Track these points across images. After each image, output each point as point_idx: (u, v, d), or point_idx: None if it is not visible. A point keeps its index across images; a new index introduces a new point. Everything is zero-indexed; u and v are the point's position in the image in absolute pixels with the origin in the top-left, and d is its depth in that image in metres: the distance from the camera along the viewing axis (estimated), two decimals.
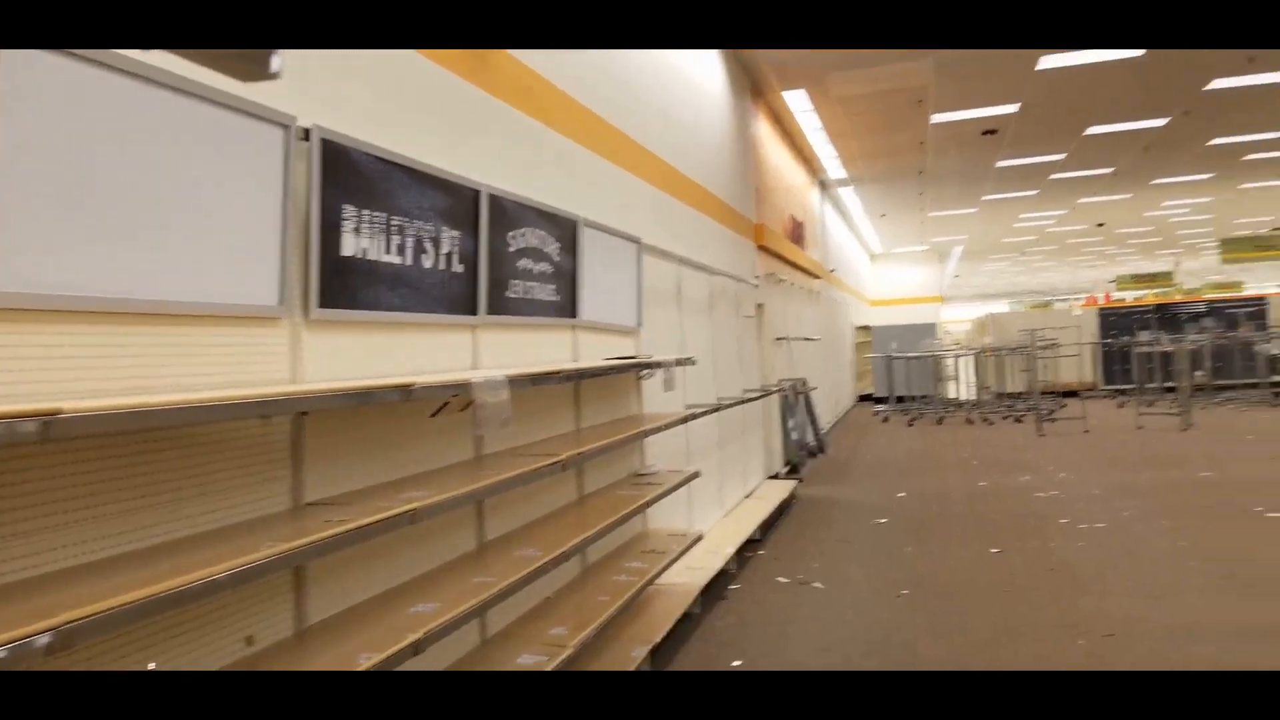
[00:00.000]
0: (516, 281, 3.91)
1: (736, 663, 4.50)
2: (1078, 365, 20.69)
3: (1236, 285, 36.43)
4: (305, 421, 2.62)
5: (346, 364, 2.83)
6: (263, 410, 1.97)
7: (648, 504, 4.44)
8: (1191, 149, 15.11)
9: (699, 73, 7.77)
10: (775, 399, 10.56)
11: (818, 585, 5.83)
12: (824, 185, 17.11)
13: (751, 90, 10.40)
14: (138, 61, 2.02)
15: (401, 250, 3.04)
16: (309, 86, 2.71)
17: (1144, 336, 18.46)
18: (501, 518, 3.77)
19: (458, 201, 3.40)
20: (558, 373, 3.48)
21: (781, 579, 6.04)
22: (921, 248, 28.65)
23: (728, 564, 6.04)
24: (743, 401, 7.98)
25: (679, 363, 5.36)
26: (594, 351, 4.84)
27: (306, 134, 2.59)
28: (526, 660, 3.34)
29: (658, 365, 4.97)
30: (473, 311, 3.54)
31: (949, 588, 5.60)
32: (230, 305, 2.31)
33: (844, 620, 5.06)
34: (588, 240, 4.65)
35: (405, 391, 2.47)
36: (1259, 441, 11.57)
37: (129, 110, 2.01)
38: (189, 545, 2.04)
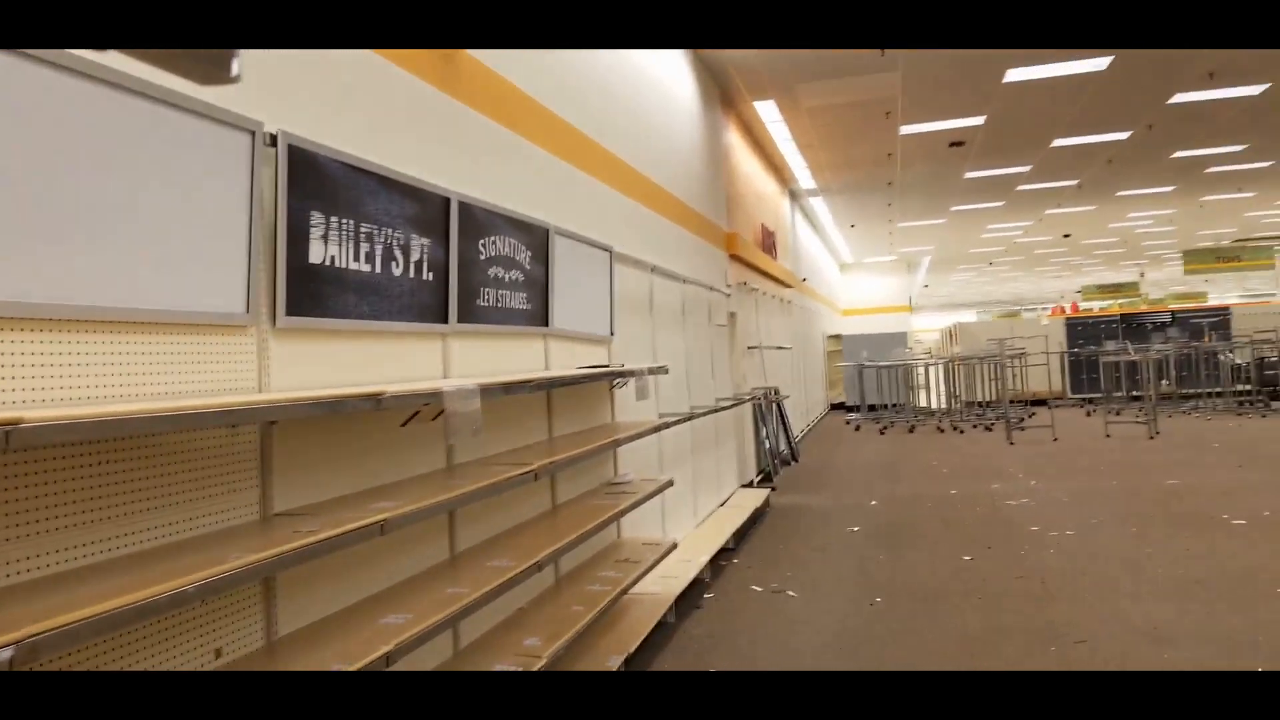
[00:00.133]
0: (488, 290, 3.89)
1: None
2: (1046, 374, 20.89)
3: (1200, 295, 37.09)
4: (273, 431, 2.58)
5: (315, 373, 2.80)
6: (230, 419, 1.94)
7: (621, 513, 4.42)
8: (1155, 162, 15.34)
9: (670, 83, 7.79)
10: (748, 408, 10.58)
11: (791, 593, 5.83)
12: (794, 195, 17.21)
13: (722, 100, 10.44)
14: (96, 64, 1.98)
15: (371, 258, 3.02)
16: (276, 92, 2.68)
17: (1110, 346, 18.71)
18: (474, 528, 3.73)
19: (428, 209, 3.38)
20: (530, 381, 3.46)
21: (755, 587, 6.03)
22: (891, 258, 28.88)
23: (702, 573, 6.02)
24: (716, 410, 7.98)
25: (652, 371, 5.36)
26: (566, 360, 4.82)
27: (273, 139, 2.57)
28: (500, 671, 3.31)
29: (631, 374, 4.95)
30: (444, 320, 3.51)
31: (921, 595, 5.61)
32: (196, 313, 2.28)
33: (817, 628, 5.06)
34: (560, 248, 4.64)
35: (375, 400, 2.44)
36: (1224, 449, 11.73)
37: (88, 114, 1.98)
38: (155, 557, 2.00)
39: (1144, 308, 28.05)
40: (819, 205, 18.55)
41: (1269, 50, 9.72)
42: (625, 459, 5.68)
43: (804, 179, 15.67)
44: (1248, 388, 17.95)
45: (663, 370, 5.64)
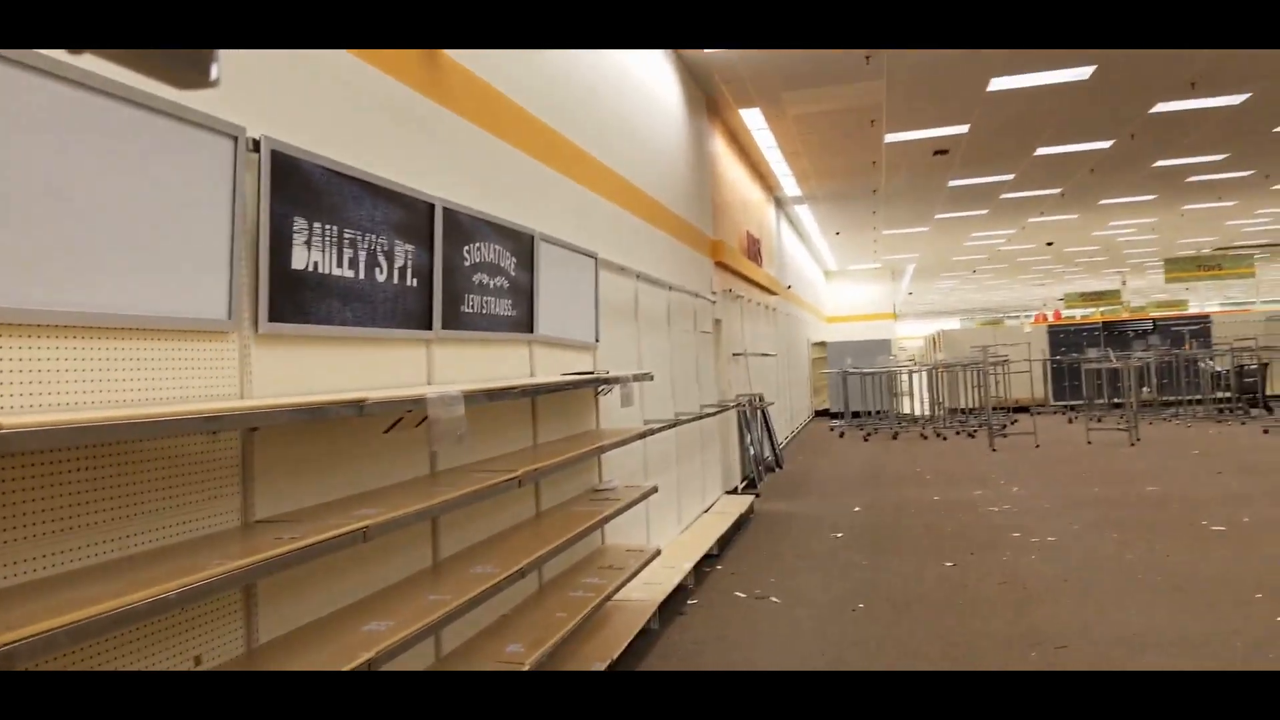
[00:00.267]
0: (472, 296, 3.88)
1: None
2: (1028, 381, 21.00)
3: (1181, 304, 37.33)
4: (255, 437, 2.57)
5: (298, 379, 2.79)
6: (211, 426, 1.93)
7: (605, 520, 4.42)
8: (1136, 171, 15.46)
9: (657, 90, 7.81)
10: (733, 414, 10.59)
11: (774, 600, 5.83)
12: (780, 202, 17.26)
13: (708, 107, 10.47)
14: (72, 67, 1.98)
15: (354, 264, 3.01)
16: (259, 97, 2.68)
17: (1092, 353, 18.83)
18: (457, 534, 3.73)
19: (412, 215, 3.38)
20: (514, 388, 3.46)
21: (739, 594, 6.03)
22: (875, 265, 28.99)
23: (685, 579, 6.03)
24: (700, 417, 7.99)
25: (637, 378, 5.36)
26: (551, 367, 4.82)
27: (256, 145, 2.56)
28: None
29: (615, 381, 4.96)
30: (427, 326, 3.51)
31: (904, 601, 5.63)
32: (177, 319, 2.27)
33: (800, 634, 5.07)
34: (545, 255, 4.64)
35: (358, 407, 2.44)
36: (1203, 456, 11.82)
37: (66, 118, 1.97)
38: (134, 564, 1.99)
39: (1126, 315, 28.23)
40: (804, 213, 18.61)
41: (1249, 61, 9.82)
42: (610, 465, 5.68)
43: (789, 186, 15.71)
44: (1227, 395, 18.08)
45: (648, 377, 5.65)
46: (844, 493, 10.24)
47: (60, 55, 1.93)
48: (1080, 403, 20.10)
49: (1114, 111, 11.61)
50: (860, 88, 10.14)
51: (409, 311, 3.37)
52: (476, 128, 4.15)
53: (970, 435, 16.28)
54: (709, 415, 8.58)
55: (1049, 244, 25.37)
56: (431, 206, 3.51)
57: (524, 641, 3.65)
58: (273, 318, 2.62)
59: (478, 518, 3.92)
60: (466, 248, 3.82)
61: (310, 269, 2.78)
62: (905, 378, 19.64)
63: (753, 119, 11.34)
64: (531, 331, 4.50)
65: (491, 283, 4.07)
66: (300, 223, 2.73)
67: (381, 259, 3.17)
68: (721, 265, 10.33)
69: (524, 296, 4.42)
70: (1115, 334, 22.38)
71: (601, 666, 4.08)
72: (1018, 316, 49.61)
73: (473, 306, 3.89)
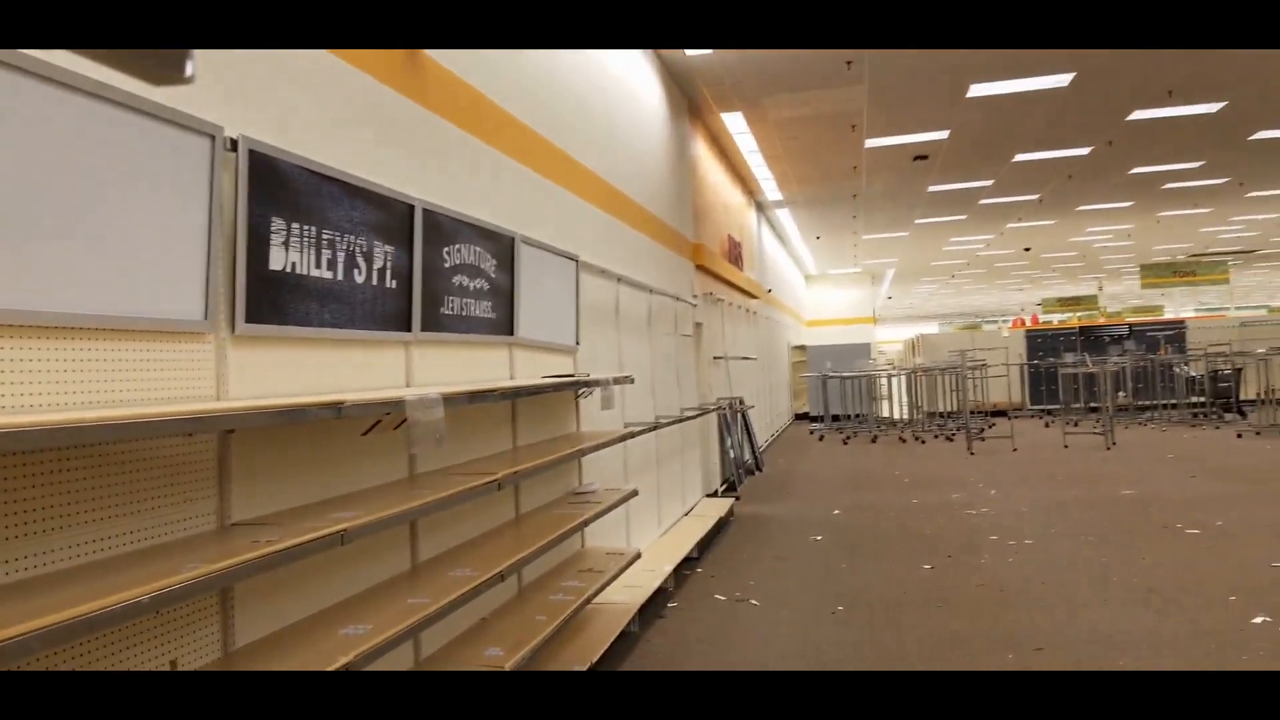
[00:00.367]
0: (452, 298, 3.87)
1: None
2: (1006, 385, 21.14)
3: (1156, 309, 37.72)
4: (232, 439, 2.55)
5: (275, 380, 2.76)
6: (187, 427, 1.91)
7: (585, 523, 4.41)
8: (1113, 177, 15.61)
9: (639, 93, 7.81)
10: (713, 417, 10.60)
11: (754, 602, 5.84)
12: (761, 206, 17.31)
13: (690, 111, 10.48)
14: (48, 64, 1.95)
15: (333, 265, 2.99)
16: (237, 96, 2.66)
17: (1069, 358, 18.97)
18: (436, 537, 3.71)
19: (391, 216, 3.36)
20: (494, 391, 3.44)
21: (719, 596, 6.04)
22: (855, 270, 29.12)
23: (665, 582, 6.02)
24: (681, 420, 7.99)
25: (617, 381, 5.35)
26: (531, 369, 4.81)
27: (234, 144, 2.54)
28: None
29: (596, 383, 4.95)
30: (407, 328, 3.49)
31: (883, 603, 5.65)
32: (152, 319, 2.24)
33: (780, 637, 5.08)
34: (525, 257, 4.62)
35: (336, 409, 2.42)
36: (1178, 460, 11.93)
37: (39, 115, 1.95)
38: (109, 567, 1.96)
39: (1102, 321, 28.52)
40: (785, 217, 18.67)
41: (1225, 69, 9.93)
42: (590, 468, 5.67)
43: (770, 190, 15.76)
44: (1202, 400, 18.26)
45: (628, 380, 5.64)
46: (823, 496, 10.27)
47: (32, 51, 1.90)
48: (1057, 407, 20.24)
49: (1092, 119, 11.72)
50: (841, 92, 10.18)
51: (388, 313, 3.35)
52: (457, 129, 4.13)
53: (948, 439, 16.37)
54: (689, 418, 8.58)
55: (1027, 249, 25.57)
56: (411, 208, 3.50)
57: (504, 645, 3.64)
58: (250, 318, 2.59)
59: (457, 521, 3.90)
60: (446, 249, 3.81)
61: (288, 270, 2.76)
62: (884, 382, 19.73)
63: (734, 122, 11.37)
64: (512, 334, 4.49)
65: (471, 285, 4.05)
66: (278, 223, 2.71)
67: (360, 260, 3.15)
68: (703, 269, 10.34)
69: (504, 299, 4.41)
70: (1092, 339, 22.57)
71: (582, 669, 4.07)
72: (996, 321, 49.94)
73: (452, 308, 3.87)
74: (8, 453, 1.88)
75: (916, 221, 19.66)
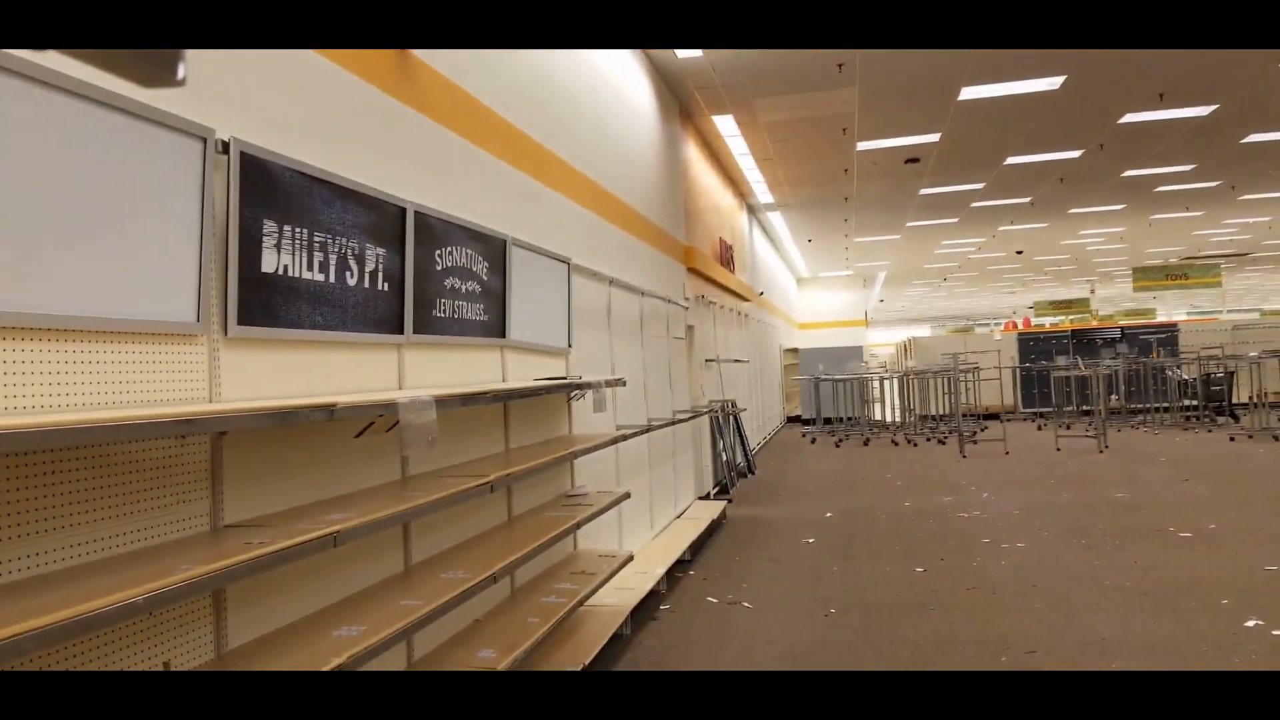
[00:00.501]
0: (444, 300, 3.87)
1: None
2: (998, 389, 21.20)
3: (1149, 312, 37.87)
4: (224, 441, 2.55)
5: (268, 383, 2.77)
6: (179, 429, 1.91)
7: (578, 525, 4.42)
8: (1105, 180, 15.66)
9: (630, 96, 7.83)
10: (705, 420, 10.61)
11: (746, 605, 5.84)
12: (752, 209, 17.33)
13: (681, 114, 10.50)
14: (40, 66, 1.95)
15: (325, 267, 2.99)
16: (229, 98, 2.66)
17: (1061, 361, 19.01)
18: (429, 539, 3.71)
19: (383, 218, 3.36)
20: (486, 393, 3.45)
21: (711, 599, 6.04)
22: (847, 272, 29.16)
23: (658, 585, 6.03)
24: (673, 423, 8.00)
25: (609, 384, 5.36)
26: (523, 372, 4.81)
27: (226, 146, 2.54)
28: None
29: (588, 386, 4.95)
30: (399, 330, 3.49)
31: (875, 606, 5.66)
32: (145, 321, 2.24)
33: (772, 639, 5.08)
34: (517, 260, 4.63)
35: (328, 411, 2.42)
36: (1170, 464, 11.97)
37: (32, 117, 1.95)
38: (102, 569, 1.96)
39: (1094, 324, 28.59)
40: (776, 219, 18.69)
41: (1217, 72, 9.98)
42: (582, 471, 5.67)
43: (762, 193, 15.78)
44: (1194, 403, 18.33)
45: (620, 383, 5.65)
46: (816, 498, 10.29)
47: (23, 53, 1.90)
48: (1049, 410, 20.31)
49: (1084, 121, 11.76)
50: (833, 95, 10.21)
51: (380, 315, 3.35)
52: (449, 131, 4.14)
53: (941, 442, 16.40)
54: (681, 421, 8.59)
55: (1019, 252, 25.64)
56: (403, 210, 3.50)
57: (496, 647, 3.64)
58: (242, 321, 2.60)
59: (450, 523, 3.90)
60: (438, 252, 3.81)
61: (280, 272, 2.76)
62: (876, 384, 19.76)
63: (726, 125, 11.39)
64: (504, 336, 4.49)
65: (463, 287, 4.05)
66: (270, 225, 2.71)
67: (352, 262, 3.15)
68: (694, 271, 10.35)
69: (496, 301, 4.41)
70: (1084, 342, 22.64)
71: (575, 670, 4.07)
72: (988, 324, 50.09)
73: (445, 311, 3.87)
74: (0, 454, 1.88)
75: (908, 224, 19.71)
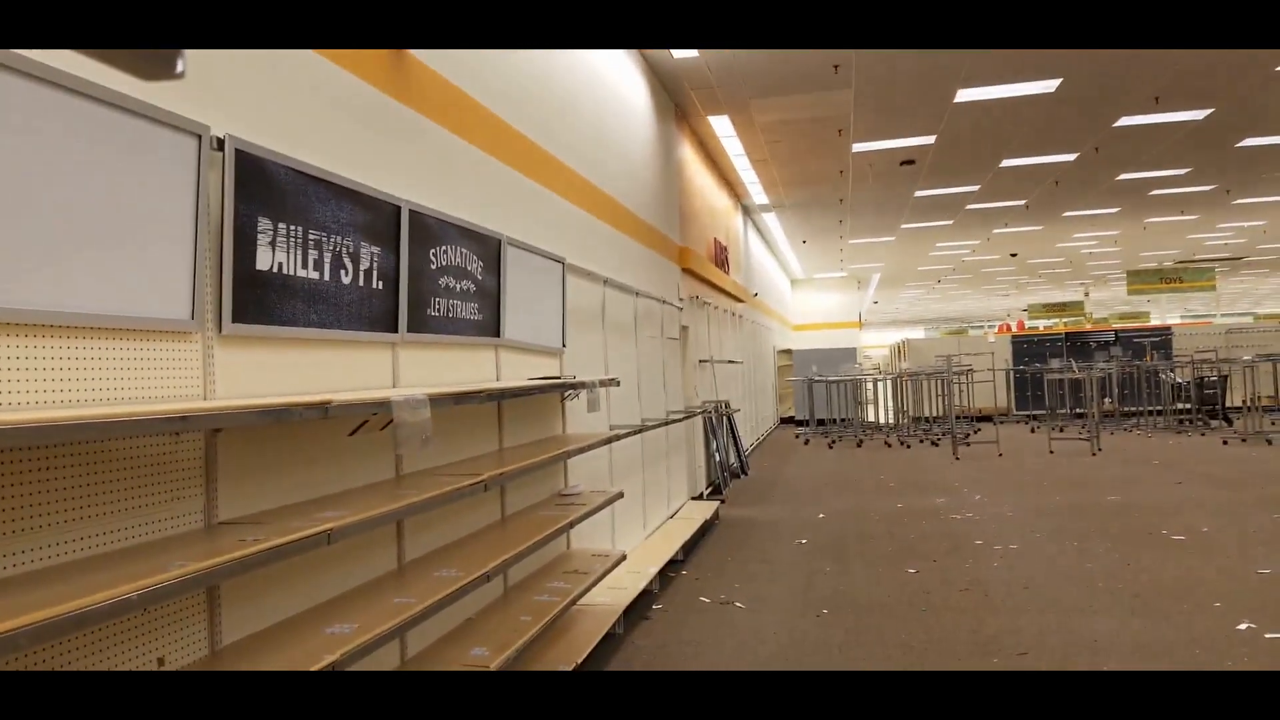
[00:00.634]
0: (439, 299, 3.87)
1: None
2: (992, 391, 21.23)
3: (1143, 315, 37.92)
4: (219, 439, 2.55)
5: (262, 380, 2.77)
6: (174, 426, 1.91)
7: (571, 524, 4.42)
8: (1100, 184, 15.70)
9: (625, 96, 7.83)
10: (699, 420, 10.62)
11: (739, 605, 5.85)
12: (747, 210, 17.34)
13: (676, 114, 10.51)
14: (34, 61, 1.95)
15: (319, 265, 2.99)
16: (224, 96, 2.66)
17: (1055, 364, 19.07)
18: (422, 538, 3.71)
19: (378, 217, 3.36)
20: (480, 392, 3.45)
21: (704, 599, 6.05)
22: (841, 274, 29.18)
23: (650, 584, 6.03)
24: (667, 423, 8.00)
25: (603, 384, 5.36)
26: (518, 371, 4.82)
27: (221, 144, 2.54)
28: None
29: (582, 386, 4.96)
30: (393, 329, 3.49)
31: (867, 607, 5.67)
32: (139, 318, 2.24)
33: (764, 640, 5.09)
34: (512, 259, 4.63)
35: (322, 409, 2.42)
36: (1163, 466, 12.01)
37: (26, 112, 1.95)
38: (96, 565, 1.97)
39: (1088, 327, 28.63)
40: (771, 221, 18.71)
41: (1212, 76, 10.01)
42: (576, 470, 5.67)
43: (757, 194, 15.80)
44: (1188, 406, 18.39)
45: (614, 383, 5.65)
46: (809, 499, 10.30)
47: (20, 50, 1.90)
48: (1043, 412, 20.35)
49: (1079, 124, 11.79)
50: (828, 97, 10.22)
51: (374, 314, 3.36)
52: (445, 130, 4.14)
53: (934, 444, 16.43)
54: (675, 421, 8.60)
55: (1013, 255, 25.68)
56: (398, 209, 3.50)
57: (489, 645, 3.64)
58: (236, 318, 2.60)
59: (443, 521, 3.91)
60: (433, 251, 3.81)
61: (275, 270, 2.76)
62: (870, 386, 19.79)
63: (721, 126, 11.40)
64: (498, 335, 4.49)
65: (458, 286, 4.06)
66: (265, 223, 2.71)
67: (347, 261, 3.16)
68: (689, 272, 10.36)
69: (490, 300, 4.41)
70: (1078, 345, 22.70)
71: (566, 670, 4.07)
72: (982, 326, 50.16)
73: (439, 310, 3.88)
74: None
75: (903, 226, 19.74)
